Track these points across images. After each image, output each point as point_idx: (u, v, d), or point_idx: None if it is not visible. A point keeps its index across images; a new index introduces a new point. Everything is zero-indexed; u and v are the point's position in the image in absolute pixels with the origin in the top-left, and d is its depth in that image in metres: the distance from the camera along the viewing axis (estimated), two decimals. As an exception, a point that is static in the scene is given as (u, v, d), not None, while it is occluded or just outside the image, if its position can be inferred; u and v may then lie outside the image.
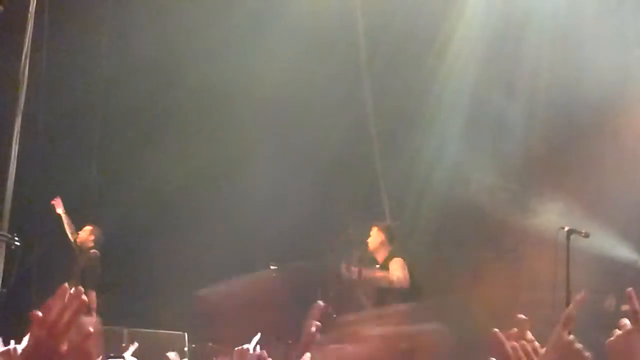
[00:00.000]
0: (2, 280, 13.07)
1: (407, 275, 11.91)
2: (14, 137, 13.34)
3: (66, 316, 2.71)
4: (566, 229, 11.27)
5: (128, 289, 14.99)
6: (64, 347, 2.70)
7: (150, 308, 14.25)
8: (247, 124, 15.23)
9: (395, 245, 12.30)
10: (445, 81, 14.42)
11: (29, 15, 13.41)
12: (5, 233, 12.99)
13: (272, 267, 13.77)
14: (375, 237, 12.22)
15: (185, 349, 13.07)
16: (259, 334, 6.82)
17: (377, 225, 12.34)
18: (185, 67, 15.44)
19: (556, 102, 13.18)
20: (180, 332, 13.08)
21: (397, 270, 11.87)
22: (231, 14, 15.04)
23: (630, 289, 3.17)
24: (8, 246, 12.92)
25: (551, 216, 12.37)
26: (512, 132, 13.42)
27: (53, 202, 14.19)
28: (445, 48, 14.39)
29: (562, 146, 13.21)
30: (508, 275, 12.54)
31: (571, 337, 3.37)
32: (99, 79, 16.42)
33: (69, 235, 14.20)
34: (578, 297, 3.21)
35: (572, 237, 11.22)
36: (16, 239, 12.81)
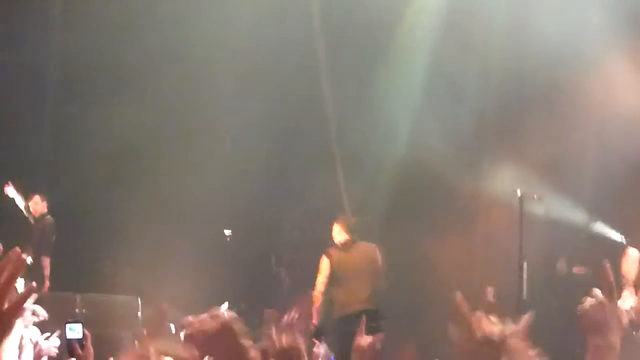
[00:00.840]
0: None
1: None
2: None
3: (5, 276, 2.69)
4: (519, 192, 11.33)
5: (80, 254, 14.90)
6: (4, 306, 2.67)
7: (102, 273, 14.19)
8: (204, 87, 15.11)
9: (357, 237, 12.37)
10: (402, 44, 14.39)
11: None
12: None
13: (226, 232, 13.78)
14: (338, 232, 12.27)
15: (139, 313, 13.02)
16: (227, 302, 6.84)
17: (338, 221, 12.37)
18: (143, 28, 15.29)
19: (510, 66, 13.22)
20: (133, 297, 13.02)
21: None
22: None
23: (606, 262, 3.19)
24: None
25: (505, 180, 12.42)
26: (467, 97, 13.46)
27: (5, 186, 14.01)
28: (402, 10, 14.36)
29: (516, 110, 13.26)
30: (462, 239, 12.60)
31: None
32: (53, 37, 16.22)
33: (22, 209, 14.08)
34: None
35: (526, 200, 11.28)
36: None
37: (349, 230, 11.71)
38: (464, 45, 13.69)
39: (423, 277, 13.05)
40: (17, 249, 2.62)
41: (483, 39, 13.52)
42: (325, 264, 11.74)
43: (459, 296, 3.08)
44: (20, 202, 14.04)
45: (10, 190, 14.00)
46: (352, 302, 11.34)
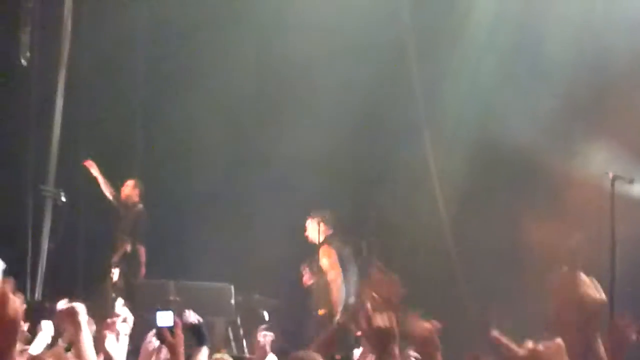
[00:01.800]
0: (50, 236, 13.25)
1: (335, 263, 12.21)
2: (58, 93, 13.46)
3: None
4: (611, 174, 11.14)
5: (174, 241, 15.07)
6: None
7: (196, 260, 14.33)
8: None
9: (332, 231, 12.35)
10: (483, 23, 14.26)
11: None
12: (51, 188, 13.15)
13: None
14: (312, 228, 12.32)
15: (232, 300, 13.14)
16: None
17: (311, 217, 12.38)
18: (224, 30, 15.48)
19: (602, 45, 12.98)
20: (227, 284, 13.14)
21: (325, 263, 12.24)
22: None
23: None
24: (55, 202, 13.08)
25: (595, 161, 12.23)
26: (554, 74, 13.25)
27: (85, 163, 14.10)
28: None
29: (606, 90, 13.01)
30: (551, 222, 12.43)
31: None
32: (141, 35, 16.44)
33: (107, 194, 14.20)
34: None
35: (617, 182, 11.10)
36: (62, 194, 12.94)
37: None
38: (549, 20, 13.50)
39: (509, 261, 12.92)
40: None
41: (568, 16, 13.30)
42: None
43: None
44: (104, 187, 14.13)
45: (91, 165, 14.02)
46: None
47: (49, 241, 13.17)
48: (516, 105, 13.49)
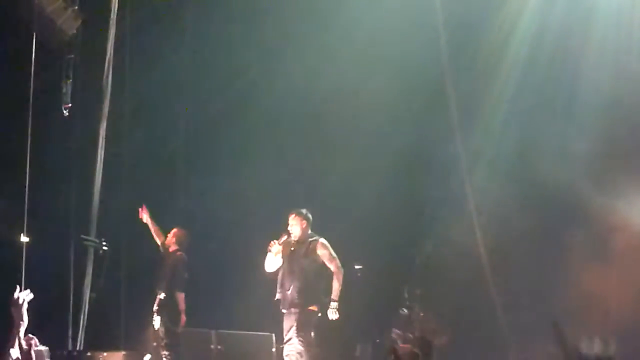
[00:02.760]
0: (92, 286, 13.29)
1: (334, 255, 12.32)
2: (100, 143, 13.56)
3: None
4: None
5: (215, 291, 15.08)
6: None
7: (237, 310, 14.32)
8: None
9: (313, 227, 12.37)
10: (519, 61, 14.27)
11: (111, 22, 13.63)
12: (93, 238, 13.21)
13: (356, 267, 13.78)
14: (295, 224, 12.31)
15: (273, 349, 13.09)
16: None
17: (293, 212, 12.37)
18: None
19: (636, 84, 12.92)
20: (268, 333, 13.09)
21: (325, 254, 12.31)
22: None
23: None
24: (96, 251, 13.12)
25: (637, 212, 12.14)
26: (592, 115, 13.19)
27: (140, 209, 14.25)
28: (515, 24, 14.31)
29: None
30: (594, 265, 12.32)
31: None
32: (182, 83, 16.55)
33: (157, 240, 14.28)
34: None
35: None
36: (104, 243, 12.99)
37: None
38: (586, 59, 13.47)
39: (551, 304, 12.81)
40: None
41: (613, 59, 13.25)
42: None
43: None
44: (154, 231, 14.22)
45: (144, 211, 14.20)
46: None
47: (91, 290, 13.21)
48: (554, 145, 13.45)
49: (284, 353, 12.20)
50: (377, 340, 14.44)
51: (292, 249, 12.35)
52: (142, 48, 15.14)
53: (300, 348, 12.06)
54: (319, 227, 12.59)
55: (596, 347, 4.36)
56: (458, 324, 13.92)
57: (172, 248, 14.13)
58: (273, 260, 12.40)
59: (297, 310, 12.15)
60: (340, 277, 12.21)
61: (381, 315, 14.78)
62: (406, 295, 14.34)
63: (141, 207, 14.22)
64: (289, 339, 12.18)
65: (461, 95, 14.64)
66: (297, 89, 15.26)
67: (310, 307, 12.21)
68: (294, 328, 12.13)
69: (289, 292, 12.22)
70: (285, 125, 15.68)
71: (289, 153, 15.70)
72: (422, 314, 14.16)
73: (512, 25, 14.25)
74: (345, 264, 13.26)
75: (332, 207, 14.53)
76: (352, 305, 13.65)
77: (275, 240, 12.30)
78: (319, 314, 12.20)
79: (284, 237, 12.33)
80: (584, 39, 13.56)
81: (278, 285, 12.38)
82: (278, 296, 12.33)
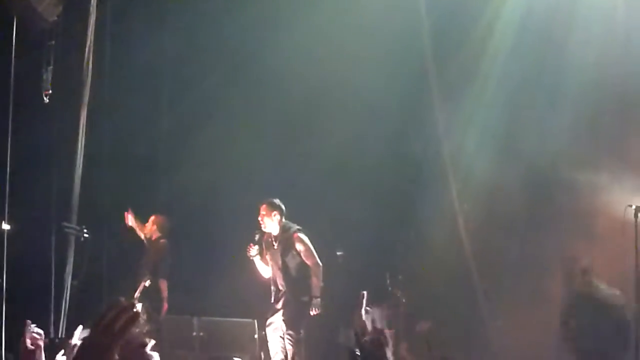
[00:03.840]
0: (73, 273, 13.25)
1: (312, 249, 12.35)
2: (81, 130, 13.50)
3: (119, 326, 2.86)
4: (634, 206, 11.10)
5: (197, 277, 15.08)
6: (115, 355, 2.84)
7: (219, 296, 14.31)
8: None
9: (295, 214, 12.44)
10: (502, 49, 14.29)
11: (91, 8, 13.56)
12: (74, 225, 13.16)
13: (338, 253, 13.79)
14: (267, 215, 12.32)
15: (255, 336, 13.09)
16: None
17: (265, 203, 12.38)
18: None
19: (626, 72, 12.91)
20: (250, 320, 13.09)
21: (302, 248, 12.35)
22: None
23: None
24: (77, 238, 13.08)
25: (619, 193, 12.15)
26: (576, 103, 13.20)
27: (125, 213, 14.28)
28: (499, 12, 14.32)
29: (630, 120, 12.94)
30: (575, 253, 12.34)
31: None
32: (164, 71, 16.53)
33: (142, 236, 14.34)
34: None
35: (640, 214, 11.04)
36: (85, 231, 12.96)
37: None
38: (571, 45, 13.48)
39: (529, 298, 12.85)
40: (130, 302, 2.76)
41: (590, 39, 13.25)
42: None
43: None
44: (136, 227, 14.28)
45: (131, 219, 14.25)
46: None
47: (72, 278, 13.17)
48: (537, 131, 13.47)
49: (270, 343, 12.18)
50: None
51: (274, 246, 12.35)
52: (123, 34, 15.08)
53: (290, 346, 12.05)
54: (301, 213, 12.59)
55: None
56: (440, 310, 13.96)
57: (155, 235, 14.16)
58: (263, 266, 12.44)
59: (285, 303, 12.16)
60: (319, 273, 12.17)
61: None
62: (388, 281, 14.37)
63: (126, 210, 14.25)
64: (275, 329, 12.18)
65: (445, 80, 14.66)
66: (282, 74, 15.24)
67: (301, 299, 12.21)
68: (282, 323, 12.13)
69: (276, 288, 12.25)
70: (269, 111, 15.68)
71: (273, 139, 15.68)
72: (404, 300, 14.19)
73: (497, 10, 14.25)
74: (328, 250, 13.29)
75: (315, 193, 14.54)
76: (335, 291, 13.67)
77: (251, 243, 12.33)
78: (313, 300, 12.18)
79: (257, 235, 12.32)
80: (568, 23, 13.57)
81: (271, 284, 12.43)
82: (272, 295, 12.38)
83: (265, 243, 12.48)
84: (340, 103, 15.00)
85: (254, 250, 12.31)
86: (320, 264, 12.23)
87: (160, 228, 14.24)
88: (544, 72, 13.77)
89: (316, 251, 12.51)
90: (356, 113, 15.00)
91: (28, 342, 6.14)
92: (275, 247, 12.33)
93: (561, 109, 13.35)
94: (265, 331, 12.48)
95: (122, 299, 2.99)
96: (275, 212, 12.32)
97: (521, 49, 13.94)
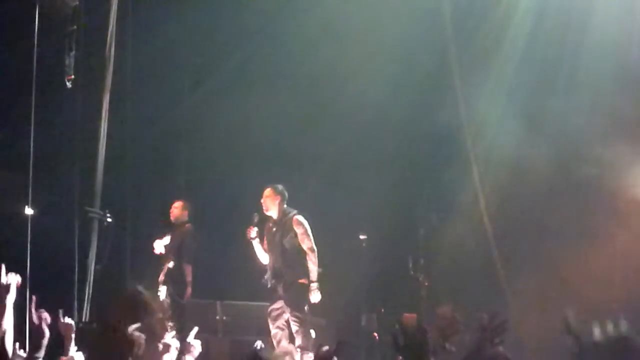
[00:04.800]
0: (96, 258, 13.30)
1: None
2: (103, 115, 13.53)
3: None
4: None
5: (220, 262, 15.10)
6: None
7: (242, 281, 14.34)
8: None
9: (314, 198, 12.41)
10: (521, 36, 14.22)
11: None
12: (97, 210, 13.20)
13: (361, 237, 13.77)
14: (270, 198, 12.28)
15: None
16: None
17: (269, 187, 12.33)
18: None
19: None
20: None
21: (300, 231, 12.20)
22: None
23: None
24: (100, 223, 13.13)
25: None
26: (595, 94, 13.13)
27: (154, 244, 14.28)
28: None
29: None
30: (596, 245, 12.30)
31: None
32: (186, 55, 16.55)
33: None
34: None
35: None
36: (108, 215, 13.00)
37: None
38: (589, 33, 13.41)
39: (558, 289, 12.80)
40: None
41: (617, 34, 13.19)
42: None
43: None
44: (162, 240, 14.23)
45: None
46: None
47: (96, 263, 13.22)
48: (558, 115, 13.42)
49: (272, 332, 12.13)
50: (382, 310, 14.47)
51: (273, 230, 12.32)
52: (145, 19, 15.09)
53: (296, 328, 11.97)
54: (324, 197, 12.59)
55: (608, 330, 4.35)
56: (462, 293, 13.95)
57: (179, 220, 14.19)
58: (261, 251, 12.39)
59: (286, 287, 12.09)
60: (314, 258, 12.05)
61: (386, 285, 14.83)
62: (410, 265, 14.37)
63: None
64: (277, 315, 12.13)
65: (465, 62, 14.62)
66: (298, 59, 15.25)
67: (300, 281, 12.15)
68: (285, 307, 12.07)
69: (275, 272, 12.17)
70: (287, 94, 15.66)
71: (291, 123, 15.67)
72: (426, 284, 14.20)
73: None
74: (350, 234, 13.28)
75: (336, 176, 14.55)
76: (357, 275, 13.69)
77: (251, 226, 12.30)
78: (311, 285, 12.09)
79: (256, 217, 12.30)
80: (587, 10, 13.50)
81: (269, 270, 12.35)
82: (267, 278, 12.31)
83: (265, 227, 12.44)
84: (361, 85, 14.96)
85: (254, 232, 12.28)
86: (316, 249, 12.08)
87: (182, 213, 14.27)
88: (564, 53, 13.70)
89: (339, 235, 12.50)
90: (377, 96, 14.97)
91: (35, 317, 6.21)
92: (274, 231, 12.28)
93: (581, 90, 13.29)
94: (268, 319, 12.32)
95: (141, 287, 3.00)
96: (277, 197, 12.28)
97: (541, 31, 13.88)
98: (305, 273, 12.06)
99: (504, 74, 14.23)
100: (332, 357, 5.66)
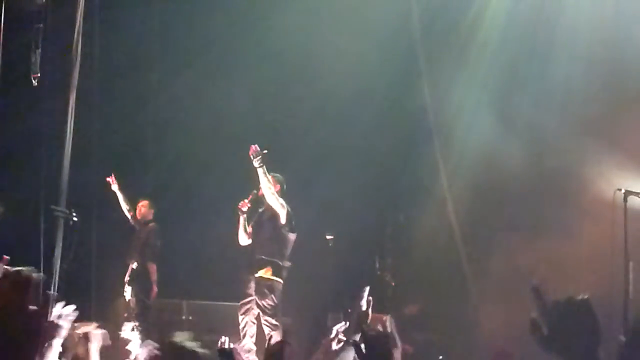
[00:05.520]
0: (62, 257, 13.22)
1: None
2: (69, 114, 13.44)
3: None
4: (623, 190, 11.12)
5: (186, 262, 15.07)
6: None
7: (207, 281, 14.32)
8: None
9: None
10: (490, 40, 14.28)
11: (80, -8, 13.49)
12: (62, 209, 13.11)
13: (328, 237, 13.75)
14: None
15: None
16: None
17: (271, 175, 12.34)
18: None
19: (613, 57, 12.91)
20: (238, 304, 13.10)
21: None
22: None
23: None
24: (66, 222, 13.04)
25: (608, 177, 12.17)
26: (564, 87, 13.19)
27: (108, 179, 14.30)
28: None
29: (618, 105, 12.94)
30: (565, 239, 12.37)
31: None
32: (153, 53, 16.50)
33: (125, 211, 14.32)
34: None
35: (629, 198, 11.06)
36: (74, 214, 12.92)
37: None
38: (559, 33, 13.48)
39: (518, 280, 12.86)
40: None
41: (578, 27, 13.25)
42: None
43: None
44: (123, 205, 14.28)
45: (113, 181, 14.23)
46: None
47: (61, 262, 13.15)
48: (526, 118, 13.47)
49: (241, 325, 12.06)
50: (349, 310, 14.45)
51: (264, 214, 12.28)
52: (112, 16, 15.05)
53: (267, 330, 11.87)
54: (290, 197, 12.56)
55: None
56: (429, 292, 13.99)
57: (144, 219, 14.17)
58: (244, 232, 12.32)
59: (258, 276, 12.00)
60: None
61: (353, 285, 14.82)
62: (377, 265, 14.39)
63: (110, 176, 14.25)
64: (247, 306, 12.06)
65: (435, 66, 14.65)
66: (275, 51, 15.24)
67: (270, 275, 12.06)
68: (254, 296, 12.00)
69: (258, 259, 12.09)
70: (257, 93, 15.65)
71: (262, 123, 15.65)
72: (393, 284, 14.22)
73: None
74: (317, 233, 13.28)
75: (305, 175, 14.52)
76: (324, 275, 13.69)
77: (245, 200, 12.24)
78: (280, 281, 12.03)
79: (254, 195, 12.26)
80: (558, 7, 13.57)
81: (249, 255, 12.29)
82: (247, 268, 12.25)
83: (258, 212, 12.39)
84: (329, 83, 14.95)
85: (246, 207, 12.22)
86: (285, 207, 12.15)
87: (149, 212, 14.27)
88: (535, 49, 13.75)
89: (306, 235, 12.46)
90: (344, 94, 14.97)
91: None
92: (265, 217, 12.24)
93: (550, 94, 13.36)
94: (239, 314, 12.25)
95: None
96: (278, 186, 12.25)
97: (511, 34, 13.93)
98: (277, 269, 11.97)
99: (474, 70, 14.26)
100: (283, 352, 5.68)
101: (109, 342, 8.03)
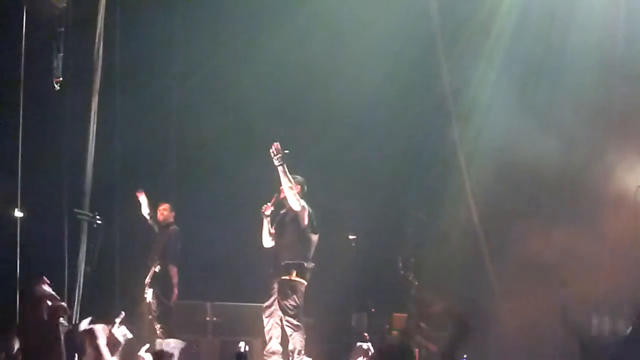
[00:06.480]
0: (86, 259, 13.29)
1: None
2: (92, 118, 13.51)
3: None
4: (643, 187, 11.11)
5: (208, 264, 15.10)
6: None
7: (232, 282, 14.35)
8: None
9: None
10: (505, 34, 14.29)
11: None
12: (86, 212, 13.18)
13: (350, 237, 13.75)
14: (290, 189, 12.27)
15: (268, 320, 13.09)
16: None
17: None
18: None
19: (630, 53, 12.89)
20: (261, 305, 13.11)
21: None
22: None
23: None
24: (90, 225, 13.10)
25: (629, 174, 12.15)
26: (583, 86, 13.18)
27: (137, 194, 14.34)
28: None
29: (635, 100, 12.91)
30: (584, 238, 12.35)
31: None
32: (173, 54, 16.54)
33: (145, 214, 14.36)
34: None
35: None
36: (97, 217, 12.98)
37: None
38: (574, 29, 13.47)
39: (541, 278, 12.84)
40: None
41: (603, 30, 13.24)
42: None
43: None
44: (145, 209, 14.33)
45: (142, 198, 14.30)
46: None
47: (85, 264, 13.21)
48: (543, 115, 13.46)
49: (266, 328, 12.03)
50: (373, 310, 14.46)
51: (286, 217, 12.27)
52: (133, 20, 15.09)
53: (290, 331, 11.84)
54: (313, 197, 12.57)
55: (606, 324, 4.47)
56: (453, 291, 13.97)
57: (165, 222, 14.21)
58: (267, 233, 12.32)
59: (284, 278, 11.98)
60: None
61: (376, 285, 14.84)
62: (400, 264, 14.38)
63: (139, 191, 14.31)
64: (271, 309, 12.05)
65: (453, 59, 14.65)
66: (291, 50, 15.26)
67: (309, 267, 12.07)
68: (277, 297, 11.98)
69: (279, 262, 12.08)
70: (278, 89, 15.66)
71: (283, 122, 15.65)
72: (416, 283, 14.20)
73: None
74: (340, 233, 13.28)
75: (325, 175, 14.52)
76: (347, 275, 13.69)
77: (268, 204, 12.25)
78: (304, 282, 12.01)
79: (276, 198, 12.27)
80: (572, 3, 13.57)
81: (272, 259, 12.28)
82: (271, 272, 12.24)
83: (280, 212, 12.38)
84: (348, 84, 14.98)
85: (269, 210, 12.23)
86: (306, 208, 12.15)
87: (170, 215, 14.31)
88: (548, 53, 13.75)
89: (329, 235, 12.46)
90: (363, 95, 14.99)
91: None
92: (287, 219, 12.23)
93: (567, 82, 13.35)
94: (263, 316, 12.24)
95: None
96: (298, 187, 12.25)
97: (527, 24, 13.94)
98: (301, 270, 11.95)
99: (491, 68, 14.27)
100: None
101: (131, 336, 8.07)
